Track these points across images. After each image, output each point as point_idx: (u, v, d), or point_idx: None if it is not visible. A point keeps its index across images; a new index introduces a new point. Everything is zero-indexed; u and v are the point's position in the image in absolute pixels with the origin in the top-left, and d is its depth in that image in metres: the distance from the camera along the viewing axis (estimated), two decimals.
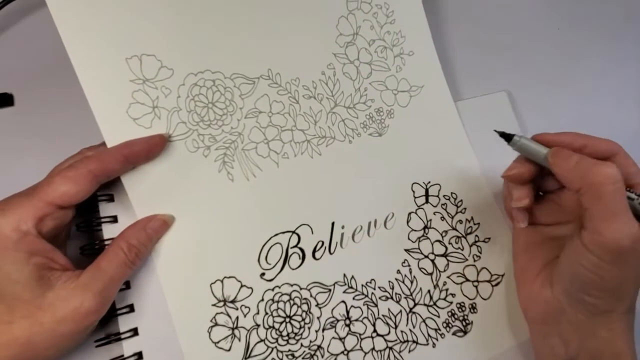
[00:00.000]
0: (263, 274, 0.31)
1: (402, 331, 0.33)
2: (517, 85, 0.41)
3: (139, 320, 0.30)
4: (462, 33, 0.42)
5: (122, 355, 0.29)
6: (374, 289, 0.33)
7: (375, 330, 0.32)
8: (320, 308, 0.32)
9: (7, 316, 0.24)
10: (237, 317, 0.30)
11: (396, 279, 0.33)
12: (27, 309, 0.25)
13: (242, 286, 0.31)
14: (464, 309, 0.34)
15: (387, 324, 0.33)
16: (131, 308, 0.30)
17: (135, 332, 0.29)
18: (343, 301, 0.32)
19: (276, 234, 0.32)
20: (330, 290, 0.32)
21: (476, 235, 0.35)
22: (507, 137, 0.29)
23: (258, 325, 0.31)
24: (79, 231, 0.30)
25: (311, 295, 0.32)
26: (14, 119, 0.34)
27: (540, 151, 0.28)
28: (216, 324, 0.30)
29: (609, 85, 0.42)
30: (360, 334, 0.32)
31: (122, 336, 0.29)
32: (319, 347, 0.31)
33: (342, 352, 0.31)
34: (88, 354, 0.30)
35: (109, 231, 0.30)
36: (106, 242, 0.30)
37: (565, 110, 0.41)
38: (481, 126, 0.38)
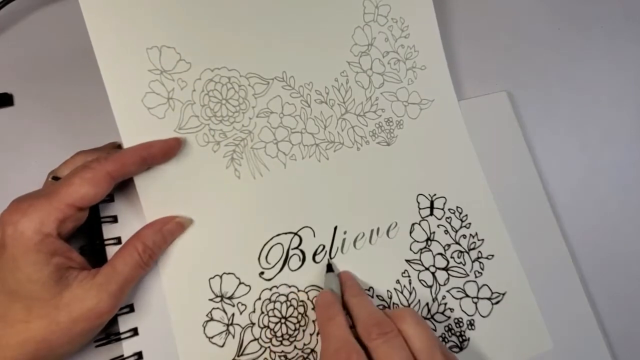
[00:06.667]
0: (262, 272, 0.31)
1: None
2: (517, 85, 0.41)
3: (139, 320, 0.29)
4: (462, 33, 0.42)
5: (122, 355, 0.29)
6: (372, 297, 0.33)
7: None
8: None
9: (24, 315, 0.25)
10: (233, 314, 0.30)
11: (395, 289, 0.33)
12: (44, 309, 0.25)
13: (240, 283, 0.31)
14: (461, 324, 0.34)
15: None
16: (131, 308, 0.29)
17: (135, 332, 0.29)
18: None
19: (278, 234, 0.32)
20: None
21: (479, 251, 0.35)
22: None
23: (253, 324, 0.30)
24: (79, 232, 0.30)
25: (308, 298, 0.32)
26: (14, 119, 0.34)
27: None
28: (212, 319, 0.30)
29: (609, 85, 0.42)
30: None
31: (122, 336, 0.29)
32: (312, 350, 0.31)
33: None
34: (88, 354, 0.29)
35: (109, 231, 0.30)
36: (106, 242, 0.30)
37: (565, 110, 0.41)
38: (481, 126, 0.38)
